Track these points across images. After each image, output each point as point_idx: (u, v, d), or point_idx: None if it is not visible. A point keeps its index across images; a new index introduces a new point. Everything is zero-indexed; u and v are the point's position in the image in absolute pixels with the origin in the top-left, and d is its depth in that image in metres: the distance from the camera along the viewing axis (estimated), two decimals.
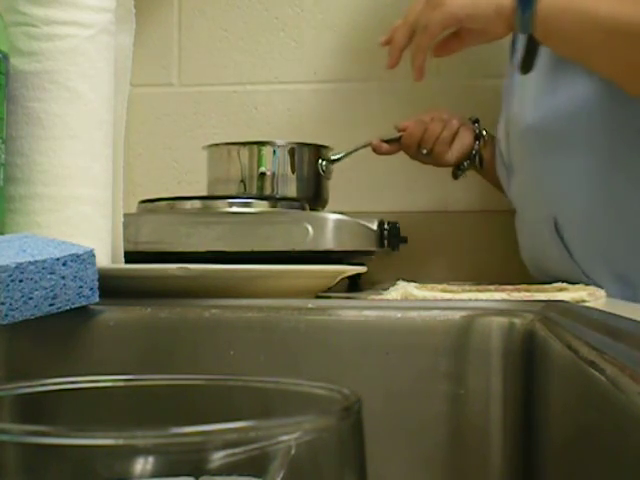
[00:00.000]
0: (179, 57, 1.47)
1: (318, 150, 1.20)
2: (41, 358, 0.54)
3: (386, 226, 1.00)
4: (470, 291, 0.72)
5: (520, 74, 1.01)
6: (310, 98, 1.43)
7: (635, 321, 0.44)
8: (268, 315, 0.53)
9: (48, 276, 0.50)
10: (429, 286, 0.74)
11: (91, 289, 0.52)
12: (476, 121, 1.24)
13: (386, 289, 0.71)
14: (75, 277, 0.51)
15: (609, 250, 1.00)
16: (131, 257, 0.72)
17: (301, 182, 1.17)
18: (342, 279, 0.69)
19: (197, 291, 0.58)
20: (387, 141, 1.22)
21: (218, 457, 0.22)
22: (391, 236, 1.02)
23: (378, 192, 1.41)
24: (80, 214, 0.64)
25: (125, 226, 0.72)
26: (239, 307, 0.54)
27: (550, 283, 0.78)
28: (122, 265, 0.70)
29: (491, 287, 0.77)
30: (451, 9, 0.95)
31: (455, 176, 1.27)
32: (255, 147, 1.17)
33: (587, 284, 0.83)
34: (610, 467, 0.28)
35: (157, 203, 0.97)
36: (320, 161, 1.18)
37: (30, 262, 0.49)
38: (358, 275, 0.95)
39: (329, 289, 0.70)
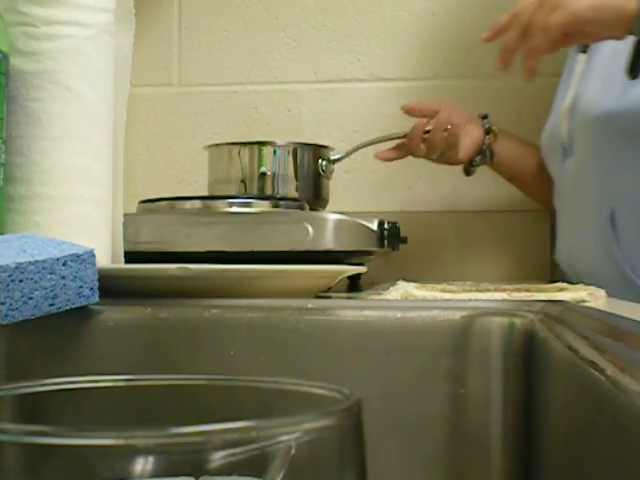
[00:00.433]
0: (179, 57, 1.47)
1: (318, 150, 1.20)
2: (41, 358, 0.54)
3: (386, 226, 1.00)
4: (470, 291, 0.72)
5: (628, 79, 1.00)
6: (310, 98, 1.43)
7: (635, 321, 0.44)
8: (268, 315, 0.53)
9: (48, 276, 0.50)
10: (429, 286, 0.74)
11: (91, 289, 0.52)
12: (485, 117, 1.25)
13: (386, 289, 0.71)
14: (75, 277, 0.51)
15: None
16: (131, 257, 0.72)
17: (301, 182, 1.17)
18: (342, 279, 0.69)
19: (197, 291, 0.58)
20: (391, 139, 1.22)
21: (218, 457, 0.22)
22: (391, 236, 1.02)
23: (378, 192, 1.41)
24: (80, 214, 0.64)
25: (125, 226, 0.72)
26: (239, 307, 0.54)
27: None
28: (122, 265, 0.70)
29: (491, 287, 0.77)
30: (572, 11, 0.93)
31: (467, 172, 1.27)
32: (256, 147, 1.17)
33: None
34: (610, 467, 0.28)
35: (157, 203, 0.97)
36: (320, 161, 1.18)
37: (30, 262, 0.49)
38: (358, 275, 0.95)
39: (329, 289, 0.70)
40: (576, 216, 1.12)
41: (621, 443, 0.26)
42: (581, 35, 0.98)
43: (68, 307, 0.51)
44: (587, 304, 0.62)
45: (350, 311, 0.53)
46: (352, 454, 0.25)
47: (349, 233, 0.90)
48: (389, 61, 1.42)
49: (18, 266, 0.49)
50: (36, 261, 0.49)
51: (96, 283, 0.53)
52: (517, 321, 0.50)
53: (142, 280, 0.60)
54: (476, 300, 0.62)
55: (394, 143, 1.24)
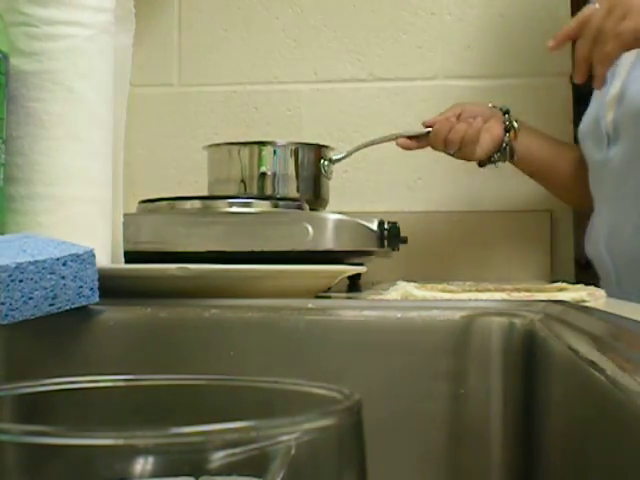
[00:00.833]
0: (179, 57, 1.47)
1: (319, 150, 1.20)
2: (41, 358, 0.54)
3: (386, 226, 1.00)
4: (470, 291, 0.72)
5: None
6: (310, 98, 1.43)
7: (635, 321, 0.44)
8: (268, 315, 0.53)
9: (48, 276, 0.50)
10: (429, 286, 0.74)
11: (91, 289, 0.52)
12: (507, 112, 1.24)
13: (386, 289, 0.71)
14: (75, 277, 0.51)
15: None
16: (131, 257, 0.72)
17: (302, 182, 1.17)
18: (342, 279, 0.69)
19: (197, 291, 0.58)
20: (413, 137, 1.21)
21: (218, 457, 0.22)
22: (391, 236, 1.02)
23: (378, 192, 1.41)
24: (80, 214, 0.64)
25: (125, 226, 0.72)
26: (239, 307, 0.54)
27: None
28: (122, 265, 0.70)
29: (491, 287, 0.77)
30: None
31: (481, 164, 1.26)
32: (255, 147, 1.17)
33: None
34: (610, 466, 0.28)
35: (157, 203, 0.97)
36: (322, 161, 1.18)
37: (30, 262, 0.49)
38: (358, 275, 0.95)
39: (329, 289, 0.70)
40: (621, 203, 1.13)
41: (621, 442, 0.26)
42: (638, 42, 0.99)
43: (68, 307, 0.51)
44: (587, 304, 0.62)
45: (350, 311, 0.53)
46: (352, 454, 0.25)
47: (349, 233, 0.90)
48: (389, 61, 1.42)
49: (18, 266, 0.49)
50: (36, 261, 0.49)
51: (96, 283, 0.53)
52: (517, 321, 0.50)
53: (142, 280, 0.60)
54: (476, 300, 0.62)
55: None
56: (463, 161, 1.23)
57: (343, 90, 1.43)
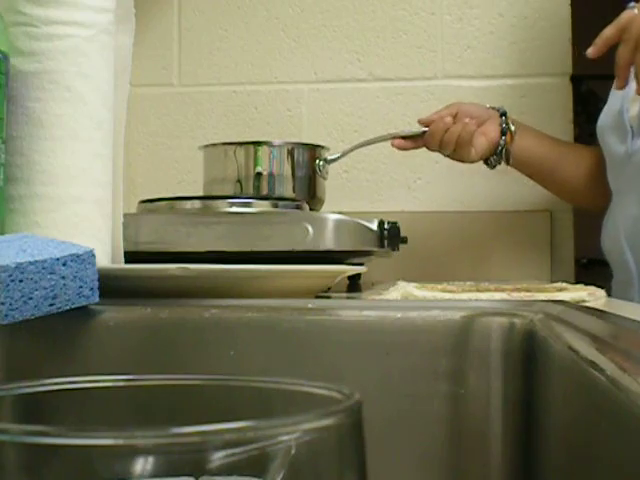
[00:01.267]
0: (179, 57, 1.47)
1: (314, 150, 1.19)
2: (41, 358, 0.54)
3: (386, 226, 1.00)
4: (470, 291, 0.72)
5: None
6: (310, 98, 1.43)
7: (635, 321, 0.45)
8: (268, 315, 0.53)
9: (48, 276, 0.50)
10: (429, 286, 0.74)
11: (91, 289, 0.52)
12: (504, 114, 1.23)
13: (386, 289, 0.71)
14: (75, 277, 0.51)
15: None
16: (131, 257, 0.72)
17: (297, 182, 1.16)
18: (342, 279, 0.69)
19: (197, 291, 0.58)
20: (408, 137, 1.21)
21: (218, 457, 0.22)
22: (391, 236, 1.02)
23: (378, 192, 1.41)
24: (80, 214, 0.64)
25: (125, 226, 0.72)
26: (239, 307, 0.54)
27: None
28: (122, 265, 0.70)
29: (491, 287, 0.77)
30: None
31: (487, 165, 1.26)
32: (251, 147, 1.17)
33: None
34: (610, 466, 0.28)
35: (157, 203, 0.97)
36: (317, 161, 1.18)
37: (30, 262, 0.49)
38: (358, 275, 0.95)
39: (329, 289, 0.70)
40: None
41: (621, 443, 0.26)
42: None
43: (68, 307, 0.51)
44: (587, 304, 0.62)
45: (350, 311, 0.53)
46: (352, 454, 0.25)
47: (349, 233, 0.90)
48: (389, 61, 1.42)
49: (18, 266, 0.49)
50: (36, 261, 0.49)
51: (96, 283, 0.53)
52: (517, 321, 0.50)
53: (142, 280, 0.60)
54: (476, 300, 0.62)
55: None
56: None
57: (343, 90, 1.43)
